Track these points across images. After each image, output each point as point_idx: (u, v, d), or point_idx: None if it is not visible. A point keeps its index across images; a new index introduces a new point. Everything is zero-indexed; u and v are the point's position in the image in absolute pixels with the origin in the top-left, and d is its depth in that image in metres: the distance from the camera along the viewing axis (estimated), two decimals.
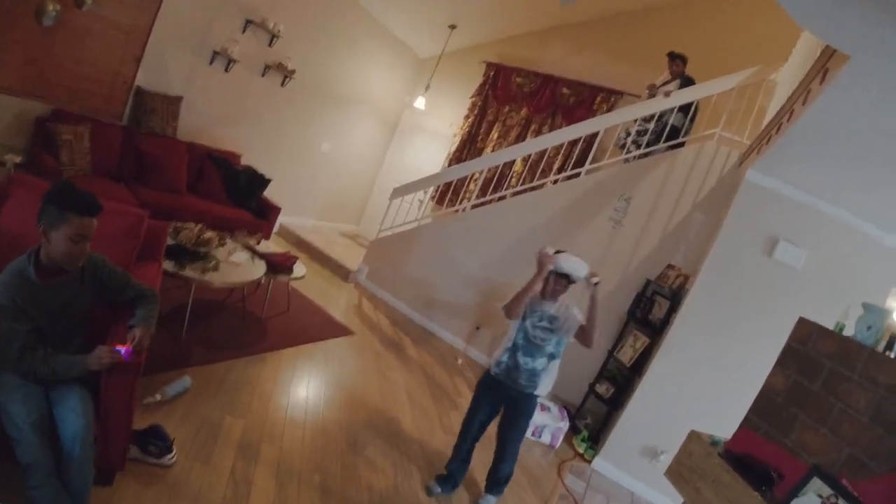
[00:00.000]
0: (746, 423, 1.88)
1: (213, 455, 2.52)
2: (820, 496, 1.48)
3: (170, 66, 5.08)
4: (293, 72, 6.16)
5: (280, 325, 4.21)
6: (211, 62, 5.40)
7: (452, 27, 7.08)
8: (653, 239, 4.79)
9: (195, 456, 2.47)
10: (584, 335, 2.71)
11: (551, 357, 2.78)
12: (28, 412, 1.72)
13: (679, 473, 1.86)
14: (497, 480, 2.98)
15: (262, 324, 4.12)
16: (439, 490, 2.97)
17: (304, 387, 3.50)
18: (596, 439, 4.38)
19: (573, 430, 4.47)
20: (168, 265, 3.24)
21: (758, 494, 1.54)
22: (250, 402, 3.05)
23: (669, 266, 4.55)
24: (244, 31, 5.54)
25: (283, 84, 6.25)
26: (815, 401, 1.69)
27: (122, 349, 1.83)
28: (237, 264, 3.75)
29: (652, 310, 4.38)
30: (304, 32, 6.20)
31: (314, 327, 4.44)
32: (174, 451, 2.41)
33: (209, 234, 3.69)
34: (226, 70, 5.56)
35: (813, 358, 1.76)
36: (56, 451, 1.72)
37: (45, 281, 1.85)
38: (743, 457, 1.74)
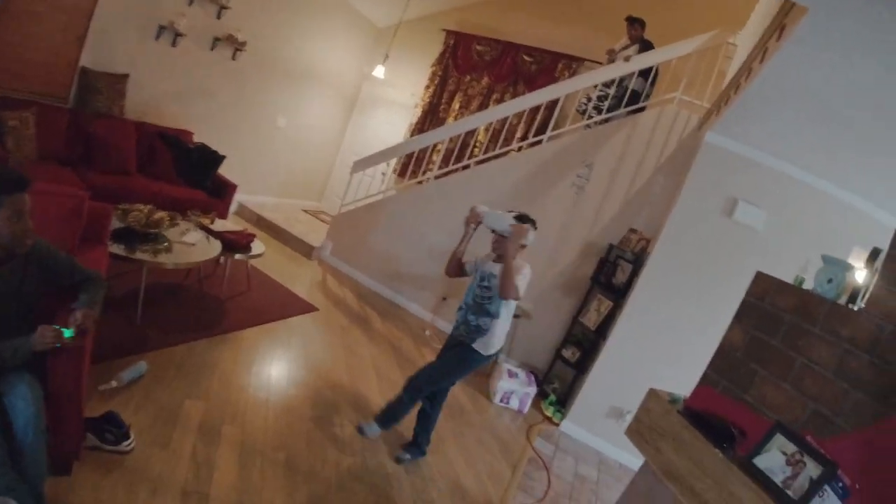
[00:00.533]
0: (705, 380, 1.87)
1: (172, 439, 2.45)
2: (784, 453, 1.46)
3: (114, 44, 4.80)
4: (244, 44, 5.90)
5: (241, 305, 4.10)
6: (157, 37, 5.12)
7: None
8: (615, 204, 4.82)
9: (154, 441, 2.40)
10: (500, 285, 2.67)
11: (493, 317, 2.78)
12: None
13: (639, 433, 1.85)
14: (385, 411, 3.08)
15: (222, 305, 4.00)
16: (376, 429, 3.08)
17: (268, 366, 3.43)
18: (564, 403, 4.44)
19: (541, 395, 4.52)
20: (118, 248, 3.14)
21: (719, 452, 1.54)
22: (210, 384, 2.97)
23: (632, 230, 4.58)
24: (191, 4, 5.25)
25: (233, 57, 5.99)
26: (775, 356, 1.68)
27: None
28: (191, 244, 3.62)
29: (615, 274, 4.42)
30: (254, 3, 5.93)
31: (276, 305, 4.34)
32: (132, 438, 2.34)
33: (159, 214, 3.55)
34: (173, 45, 5.28)
35: (771, 313, 1.76)
36: (9, 441, 1.68)
37: None
38: (703, 414, 1.73)
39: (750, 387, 1.71)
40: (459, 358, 2.88)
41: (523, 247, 2.73)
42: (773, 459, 1.47)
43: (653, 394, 1.91)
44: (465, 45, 7.21)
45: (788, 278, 1.89)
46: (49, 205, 2.41)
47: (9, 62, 4.06)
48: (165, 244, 3.46)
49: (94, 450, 2.21)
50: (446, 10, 7.43)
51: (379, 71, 6.89)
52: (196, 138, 5.60)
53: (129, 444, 2.32)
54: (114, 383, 2.64)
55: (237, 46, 5.88)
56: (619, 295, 4.27)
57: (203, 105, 5.93)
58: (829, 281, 1.69)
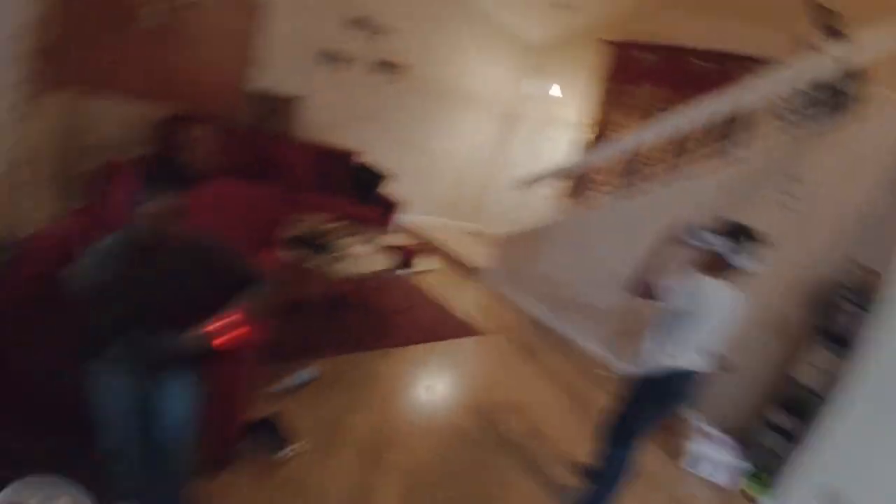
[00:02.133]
0: None
1: (331, 454, 2.38)
2: None
3: (285, 68, 5.27)
4: (404, 69, 6.16)
5: (404, 322, 4.03)
6: (326, 63, 5.55)
7: (563, 7, 6.57)
8: (832, 228, 3.89)
9: (312, 454, 2.33)
10: None
11: None
12: (120, 398, 1.62)
13: None
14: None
15: (386, 319, 3.96)
16: None
17: (430, 388, 3.28)
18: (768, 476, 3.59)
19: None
20: (292, 256, 3.24)
21: None
22: (372, 399, 2.88)
23: (853, 261, 3.64)
24: (352, 30, 5.62)
25: (395, 81, 6.24)
26: None
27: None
28: (358, 256, 3.63)
29: (837, 318, 3.54)
30: (413, 29, 6.16)
31: (440, 325, 4.20)
32: (289, 448, 2.28)
33: (331, 226, 3.62)
34: (342, 69, 5.69)
35: None
36: (153, 440, 1.64)
37: (144, 257, 1.66)
38: None
39: None
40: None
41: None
42: None
43: None
44: (628, 54, 6.58)
45: None
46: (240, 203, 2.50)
47: (184, 82, 4.47)
48: (335, 255, 3.50)
49: (249, 454, 2.17)
50: (604, 20, 6.91)
51: (555, 90, 6.61)
52: (363, 158, 5.79)
53: (288, 453, 2.26)
54: (282, 385, 2.68)
55: (398, 71, 6.16)
56: (845, 345, 3.40)
57: (368, 126, 6.24)
58: None
